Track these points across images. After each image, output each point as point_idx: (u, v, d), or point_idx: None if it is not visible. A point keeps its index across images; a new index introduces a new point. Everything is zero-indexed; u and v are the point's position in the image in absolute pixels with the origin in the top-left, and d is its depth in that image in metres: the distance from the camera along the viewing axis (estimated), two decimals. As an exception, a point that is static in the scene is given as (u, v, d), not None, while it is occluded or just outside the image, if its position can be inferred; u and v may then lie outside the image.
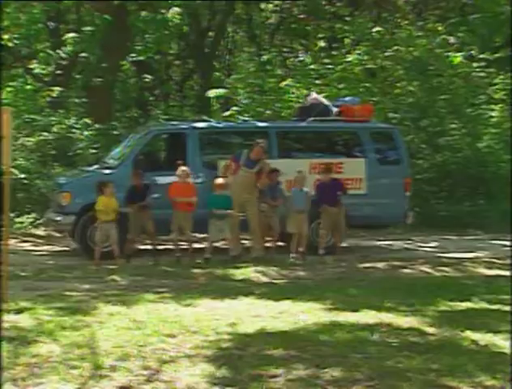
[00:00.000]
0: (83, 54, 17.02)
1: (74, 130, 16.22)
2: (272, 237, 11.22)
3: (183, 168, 10.88)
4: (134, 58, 20.49)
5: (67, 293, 8.13)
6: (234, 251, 10.87)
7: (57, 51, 17.30)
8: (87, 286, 8.77)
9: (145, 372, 5.14)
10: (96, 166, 12.35)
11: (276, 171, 11.19)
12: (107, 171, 11.56)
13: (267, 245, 11.22)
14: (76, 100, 19.16)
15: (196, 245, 11.29)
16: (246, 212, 11.03)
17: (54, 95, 17.10)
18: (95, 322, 6.45)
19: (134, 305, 7.30)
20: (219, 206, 10.68)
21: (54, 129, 16.09)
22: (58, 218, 11.37)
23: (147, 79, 22.04)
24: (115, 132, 16.42)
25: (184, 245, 11.04)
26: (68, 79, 18.45)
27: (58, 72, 17.97)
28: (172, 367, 5.25)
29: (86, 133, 16.14)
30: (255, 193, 11.04)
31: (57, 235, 13.05)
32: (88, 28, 16.75)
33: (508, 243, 12.46)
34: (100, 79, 16.88)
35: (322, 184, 11.24)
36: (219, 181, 10.88)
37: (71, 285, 8.79)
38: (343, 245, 11.60)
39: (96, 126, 16.28)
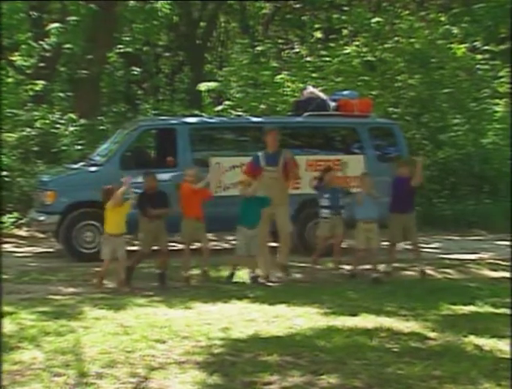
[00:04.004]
0: (68, 46, 16.77)
1: (58, 126, 15.96)
2: (334, 250, 9.82)
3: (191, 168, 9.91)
4: (122, 50, 20.33)
5: (51, 297, 8.06)
6: (263, 270, 9.50)
7: (41, 42, 17.03)
8: (71, 289, 8.68)
9: (133, 379, 5.06)
10: (81, 163, 12.06)
11: (331, 170, 10.02)
12: (93, 168, 11.31)
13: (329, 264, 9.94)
14: (60, 94, 19.10)
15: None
16: (276, 219, 9.61)
17: (37, 88, 16.85)
18: (80, 327, 6.39)
19: (122, 309, 7.23)
20: (253, 209, 9.24)
21: (37, 124, 15.83)
22: (42, 218, 11.18)
23: (135, 72, 21.89)
24: (101, 127, 16.19)
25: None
26: (52, 72, 18.28)
27: (42, 64, 17.71)
28: (162, 374, 5.18)
29: (71, 128, 15.86)
30: (287, 195, 9.76)
31: (41, 235, 12.87)
32: (73, 18, 16.52)
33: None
34: (85, 72, 16.59)
35: (398, 181, 9.98)
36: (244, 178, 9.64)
37: (55, 288, 8.72)
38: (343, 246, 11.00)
39: (82, 121, 16.00)
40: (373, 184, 9.74)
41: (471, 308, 7.64)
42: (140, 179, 10.69)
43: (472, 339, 6.20)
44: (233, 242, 11.96)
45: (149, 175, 9.48)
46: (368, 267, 9.59)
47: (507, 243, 12.87)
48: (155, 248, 9.25)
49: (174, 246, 11.15)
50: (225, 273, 9.48)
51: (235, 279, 9.27)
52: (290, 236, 9.80)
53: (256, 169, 9.68)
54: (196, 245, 9.74)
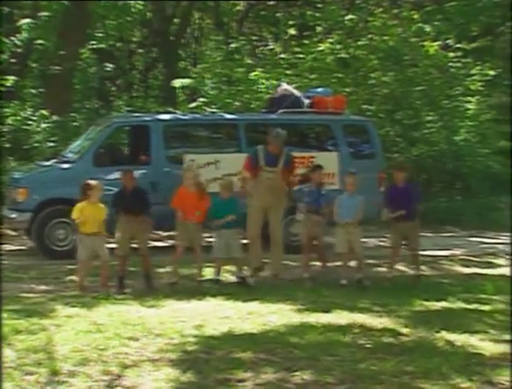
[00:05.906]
0: (40, 41, 16.72)
1: (30, 122, 15.82)
2: (317, 254, 9.57)
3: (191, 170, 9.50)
4: (95, 46, 20.21)
5: (23, 295, 8.03)
6: (254, 263, 9.30)
7: (12, 38, 16.73)
8: (44, 287, 8.63)
9: (106, 377, 5.04)
10: (53, 160, 11.88)
11: (319, 168, 9.76)
12: (65, 165, 11.18)
13: (312, 263, 9.54)
14: (32, 91, 18.98)
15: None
16: (269, 221, 9.39)
17: (9, 84, 16.41)
18: (52, 326, 6.34)
19: (95, 306, 7.20)
20: (224, 213, 8.93)
21: (9, 121, 15.68)
22: (13, 215, 11.03)
23: (108, 68, 21.81)
24: (74, 124, 16.13)
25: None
26: (23, 68, 18.25)
27: (13, 60, 17.43)
28: (135, 372, 5.15)
29: (43, 125, 15.72)
30: (283, 197, 9.46)
31: (13, 233, 12.63)
32: (45, 14, 16.34)
33: (485, 240, 12.81)
34: (57, 68, 16.44)
35: (393, 189, 9.55)
36: (225, 182, 9.36)
37: (27, 286, 8.66)
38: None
39: (54, 117, 15.86)
40: (355, 184, 9.37)
41: (444, 304, 7.72)
42: (113, 176, 10.71)
43: (444, 334, 6.24)
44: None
45: (127, 173, 9.00)
46: (352, 265, 9.39)
47: (479, 239, 13.09)
48: (134, 246, 8.84)
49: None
50: (209, 274, 9.21)
51: (219, 280, 8.99)
52: (281, 241, 9.46)
53: (254, 168, 9.41)
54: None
